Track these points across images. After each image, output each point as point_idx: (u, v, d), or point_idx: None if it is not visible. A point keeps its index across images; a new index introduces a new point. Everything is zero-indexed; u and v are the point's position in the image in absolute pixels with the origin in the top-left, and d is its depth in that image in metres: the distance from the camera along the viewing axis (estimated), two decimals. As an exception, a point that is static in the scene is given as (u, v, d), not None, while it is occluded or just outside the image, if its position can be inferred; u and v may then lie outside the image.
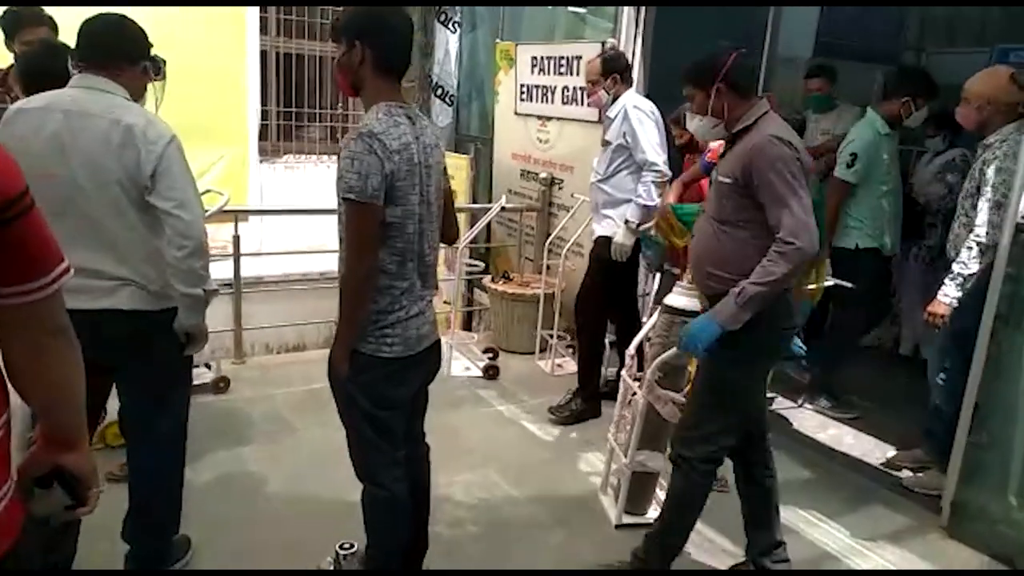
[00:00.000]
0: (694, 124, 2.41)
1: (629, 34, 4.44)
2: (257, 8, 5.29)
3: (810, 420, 3.95)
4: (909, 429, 3.60)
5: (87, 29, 2.07)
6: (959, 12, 5.84)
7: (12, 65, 2.89)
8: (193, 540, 2.56)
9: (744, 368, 2.33)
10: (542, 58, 4.80)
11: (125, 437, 2.40)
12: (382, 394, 2.05)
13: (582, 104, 4.52)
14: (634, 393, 2.88)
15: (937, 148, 4.25)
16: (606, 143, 3.72)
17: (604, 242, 3.69)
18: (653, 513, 2.93)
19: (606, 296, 3.80)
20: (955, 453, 2.91)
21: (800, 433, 3.81)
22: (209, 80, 5.15)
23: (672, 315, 2.75)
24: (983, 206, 2.94)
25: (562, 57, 4.65)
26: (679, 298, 2.77)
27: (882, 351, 4.98)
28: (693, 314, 2.66)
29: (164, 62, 2.19)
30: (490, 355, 4.50)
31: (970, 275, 2.95)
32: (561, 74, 4.66)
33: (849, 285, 3.23)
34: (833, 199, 3.74)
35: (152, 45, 2.17)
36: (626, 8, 4.41)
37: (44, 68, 2.27)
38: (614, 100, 3.65)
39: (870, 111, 3.76)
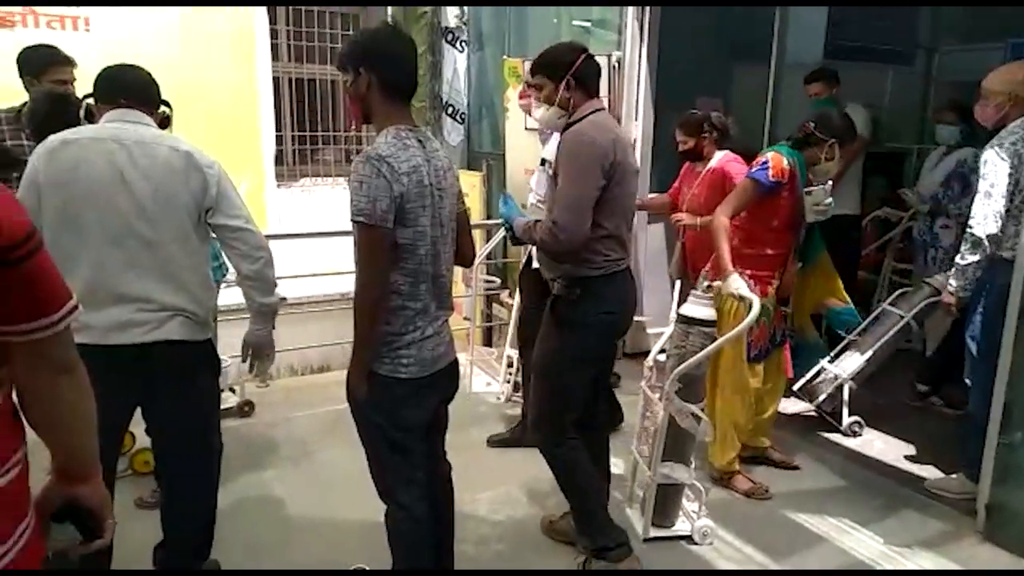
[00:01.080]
0: (540, 112, 2.52)
1: (634, 45, 4.45)
2: (268, 35, 5.36)
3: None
4: (938, 435, 3.56)
5: (117, 75, 2.16)
6: (972, 8, 5.78)
7: (25, 103, 2.94)
8: (221, 565, 2.56)
9: (571, 350, 2.50)
10: (551, 73, 4.80)
11: (159, 466, 2.41)
12: (399, 415, 2.06)
13: (593, 116, 4.52)
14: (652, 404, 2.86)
15: (953, 138, 4.15)
16: (544, 162, 3.38)
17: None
18: (682, 525, 2.90)
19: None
20: (987, 454, 2.85)
21: (829, 440, 3.75)
22: (223, 109, 5.22)
23: (687, 325, 2.75)
24: (976, 197, 2.95)
25: (570, 71, 4.65)
26: (693, 307, 2.77)
27: (911, 354, 4.90)
28: (708, 323, 2.71)
29: (169, 107, 2.30)
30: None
31: (967, 266, 2.96)
32: (570, 88, 4.67)
33: None
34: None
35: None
36: (630, 19, 4.42)
37: (55, 115, 2.36)
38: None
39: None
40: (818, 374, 3.80)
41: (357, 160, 1.90)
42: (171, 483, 2.36)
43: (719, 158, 3.68)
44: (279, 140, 5.61)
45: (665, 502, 2.89)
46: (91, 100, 2.21)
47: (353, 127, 6.30)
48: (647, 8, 4.39)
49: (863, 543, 2.87)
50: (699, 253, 3.78)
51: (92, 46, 4.67)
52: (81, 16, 4.75)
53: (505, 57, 5.32)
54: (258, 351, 2.40)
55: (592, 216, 2.34)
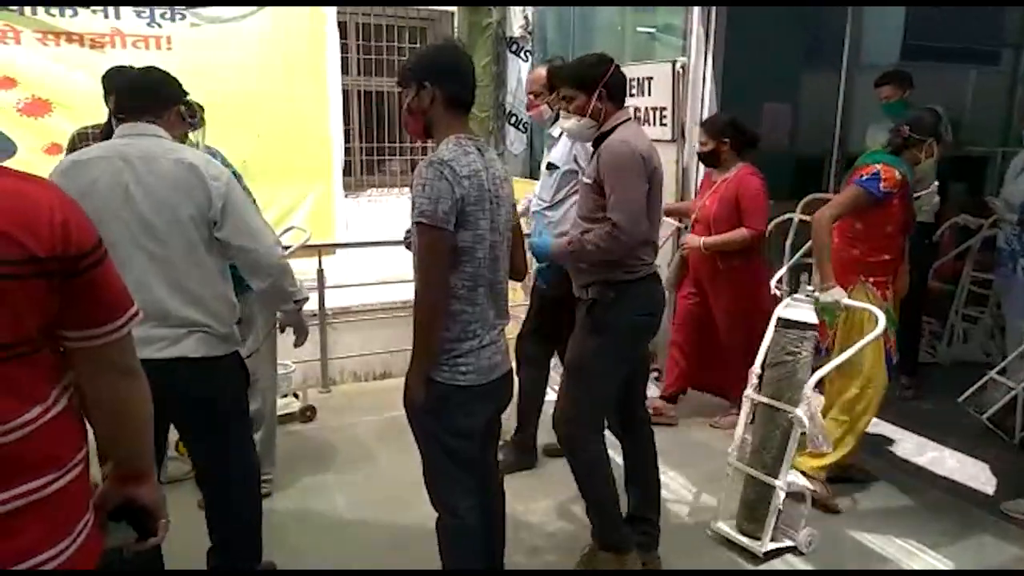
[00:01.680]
0: (571, 123, 2.54)
1: (699, 51, 4.38)
2: (339, 49, 5.51)
3: (907, 442, 3.74)
4: (1014, 453, 3.37)
5: (120, 82, 2.21)
6: (1061, 4, 5.48)
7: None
8: (277, 566, 2.63)
9: (606, 352, 2.53)
10: (613, 81, 4.78)
11: (198, 478, 2.41)
12: (456, 422, 2.07)
13: (655, 124, 4.48)
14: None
15: None
16: (551, 166, 3.32)
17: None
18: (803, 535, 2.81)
19: (550, 332, 3.38)
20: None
21: (897, 456, 3.61)
22: (294, 122, 5.39)
23: (785, 329, 2.80)
24: None
25: (632, 79, 4.62)
26: (795, 311, 2.80)
27: (991, 367, 4.66)
28: (811, 326, 2.77)
29: (201, 108, 2.28)
30: None
31: None
32: (632, 95, 4.63)
33: None
34: None
35: (187, 93, 2.26)
36: (695, 25, 4.35)
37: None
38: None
39: None
40: (985, 385, 3.79)
41: (420, 165, 1.94)
42: (209, 497, 2.37)
43: (736, 169, 3.62)
44: (347, 151, 5.74)
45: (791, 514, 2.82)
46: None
47: (419, 140, 6.42)
48: (713, 12, 4.33)
49: (932, 567, 2.75)
50: (701, 268, 3.75)
51: (174, 64, 4.89)
52: (163, 36, 4.99)
53: (568, 66, 5.32)
54: (295, 328, 2.52)
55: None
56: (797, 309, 2.79)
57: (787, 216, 4.52)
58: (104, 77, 3.14)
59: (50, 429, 1.15)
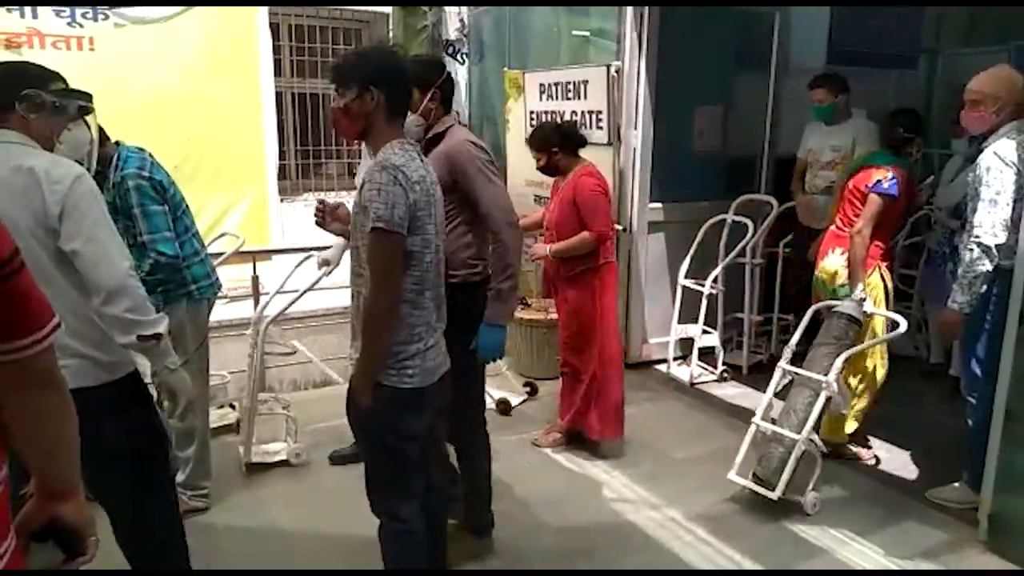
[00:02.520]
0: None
1: (633, 55, 4.45)
2: (270, 51, 5.40)
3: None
4: (941, 444, 3.53)
5: None
6: (976, 10, 5.75)
7: None
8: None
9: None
10: (549, 84, 4.83)
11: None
12: (404, 425, 2.07)
13: (591, 127, 4.53)
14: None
15: (964, 151, 4.06)
16: None
17: None
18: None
19: None
20: (989, 463, 2.82)
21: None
22: (226, 125, 5.26)
23: (839, 319, 3.26)
24: (979, 206, 2.84)
25: (569, 82, 4.67)
26: (856, 309, 3.25)
27: (917, 361, 4.86)
28: (855, 320, 3.26)
29: (73, 94, 2.02)
30: (528, 389, 4.44)
31: (975, 278, 2.83)
32: (569, 98, 4.69)
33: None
34: None
35: (50, 79, 1.97)
36: (629, 29, 4.43)
37: None
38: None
39: None
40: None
41: (371, 169, 1.94)
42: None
43: (574, 172, 3.54)
44: (282, 155, 5.63)
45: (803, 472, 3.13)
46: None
47: (356, 142, 6.33)
48: (646, 17, 4.40)
49: (863, 555, 2.85)
50: (553, 274, 3.74)
51: (96, 65, 4.72)
52: (85, 36, 4.80)
53: (505, 69, 5.34)
54: (169, 393, 2.13)
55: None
56: (849, 306, 3.27)
57: (720, 217, 4.62)
58: None
59: None
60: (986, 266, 2.82)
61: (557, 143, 3.53)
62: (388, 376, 2.02)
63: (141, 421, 2.05)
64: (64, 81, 2.02)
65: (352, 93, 1.99)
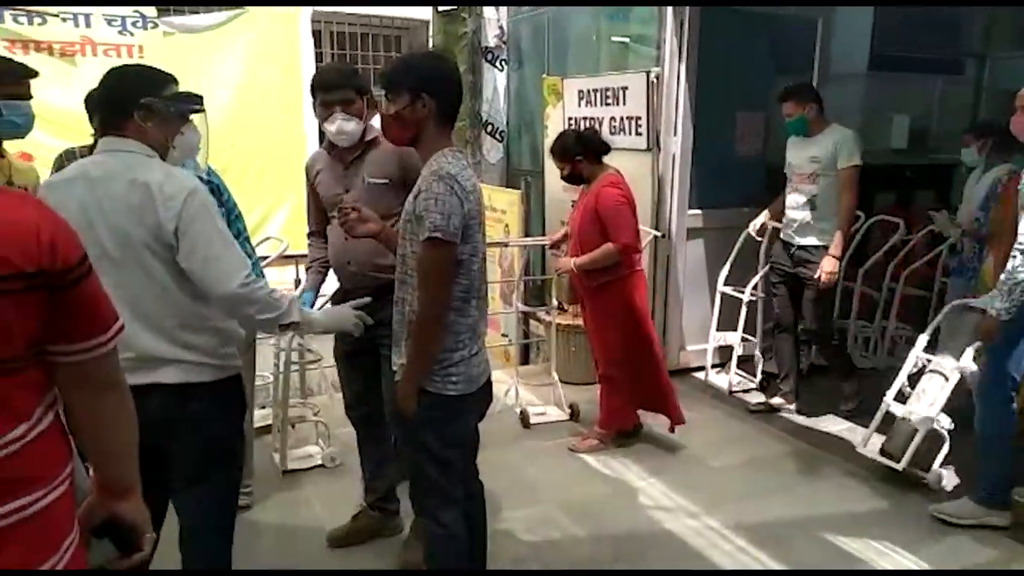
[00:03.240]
0: (351, 126, 2.55)
1: (673, 61, 4.44)
2: (312, 58, 5.50)
3: (878, 444, 3.79)
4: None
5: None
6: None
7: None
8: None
9: None
10: (588, 91, 4.83)
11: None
12: (449, 432, 2.08)
13: (630, 133, 4.53)
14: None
15: (977, 161, 3.95)
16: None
17: None
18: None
19: None
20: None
21: (867, 458, 3.65)
22: (269, 131, 5.37)
23: (980, 314, 3.13)
24: None
25: (608, 88, 4.67)
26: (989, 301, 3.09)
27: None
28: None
29: (186, 97, 2.03)
30: (570, 412, 4.32)
31: (1016, 284, 2.72)
32: (608, 104, 4.69)
33: None
34: None
35: (164, 83, 1.97)
36: (669, 35, 4.41)
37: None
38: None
39: None
40: None
41: (428, 179, 1.94)
42: (182, 544, 2.10)
43: (598, 180, 3.50)
44: (323, 160, 5.74)
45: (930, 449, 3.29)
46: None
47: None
48: (686, 23, 4.39)
49: (905, 567, 2.79)
50: (580, 286, 3.71)
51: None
52: (135, 44, 4.95)
53: (544, 76, 5.36)
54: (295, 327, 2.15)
55: None
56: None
57: (762, 222, 4.57)
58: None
59: (35, 447, 1.14)
60: None
61: (579, 151, 3.51)
62: (432, 383, 2.03)
63: (238, 422, 2.11)
64: (176, 82, 2.01)
65: (403, 100, 2.00)
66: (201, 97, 2.12)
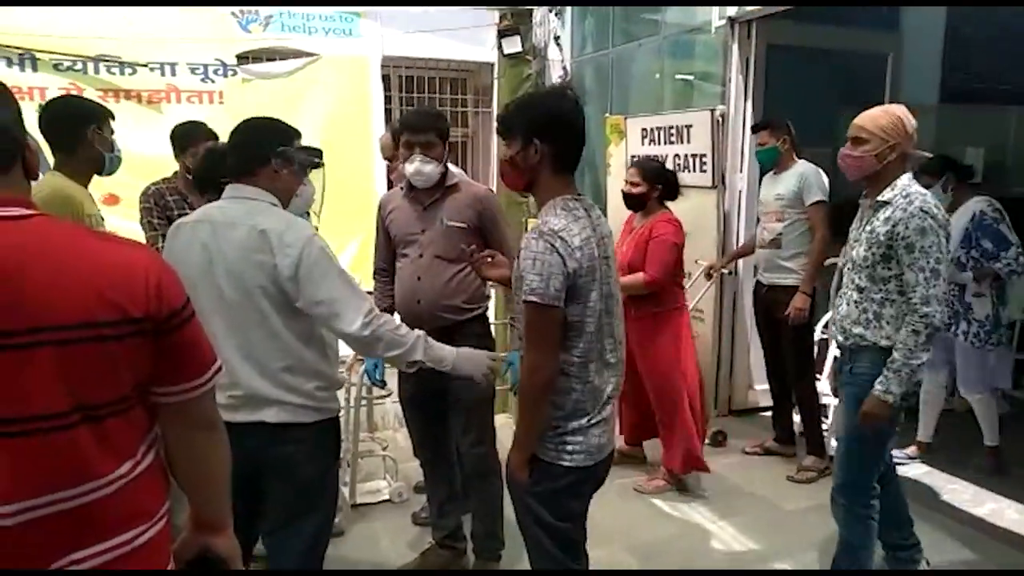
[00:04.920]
0: (430, 168, 2.64)
1: (738, 98, 4.44)
2: (382, 101, 5.67)
3: (962, 492, 3.65)
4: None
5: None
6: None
7: (176, 172, 3.23)
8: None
9: None
10: (652, 129, 4.86)
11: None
12: (561, 505, 1.94)
13: (695, 171, 4.53)
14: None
15: (943, 199, 3.69)
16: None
17: None
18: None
19: None
20: None
21: (952, 506, 3.52)
22: (340, 172, 5.45)
23: None
24: (920, 278, 2.34)
25: (671, 127, 4.69)
26: None
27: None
28: None
29: (310, 151, 2.13)
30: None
31: (919, 366, 2.34)
32: (671, 143, 4.70)
33: None
34: None
35: (295, 136, 2.09)
36: (734, 72, 4.42)
37: (211, 174, 2.27)
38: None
39: None
40: None
41: (529, 236, 1.83)
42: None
43: (656, 216, 3.56)
44: (390, 198, 5.88)
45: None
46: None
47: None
48: (751, 61, 4.39)
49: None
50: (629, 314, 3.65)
51: (225, 117, 5.08)
52: (216, 91, 5.20)
53: (607, 115, 5.42)
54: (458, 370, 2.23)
55: None
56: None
57: (832, 261, 4.48)
58: (178, 134, 3.24)
59: (139, 483, 1.20)
60: (929, 352, 2.35)
61: (662, 181, 3.59)
62: (546, 451, 1.90)
63: (332, 464, 2.15)
64: (300, 136, 2.12)
65: (517, 145, 1.89)
66: (321, 152, 2.22)
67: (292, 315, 1.94)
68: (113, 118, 2.75)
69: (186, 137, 3.23)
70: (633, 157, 5.05)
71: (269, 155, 2.00)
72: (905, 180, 2.45)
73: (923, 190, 2.45)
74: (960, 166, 3.78)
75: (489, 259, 2.28)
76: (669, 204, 3.68)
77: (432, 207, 2.71)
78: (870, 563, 2.62)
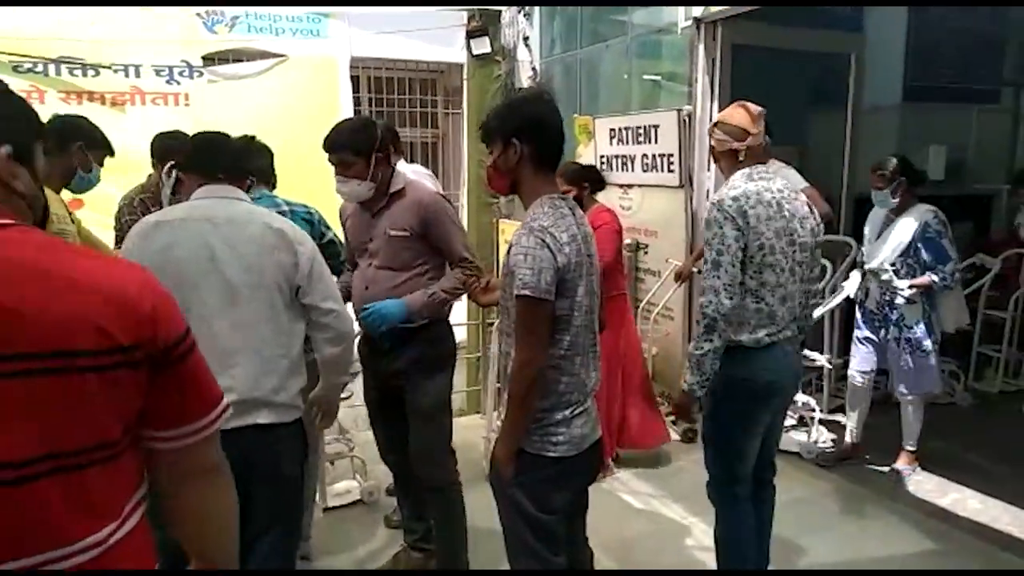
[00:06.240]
0: (348, 188, 2.57)
1: (705, 98, 4.48)
2: (351, 103, 5.64)
3: (926, 483, 3.72)
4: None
5: (213, 147, 2.13)
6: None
7: (150, 176, 3.19)
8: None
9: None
10: (620, 129, 4.90)
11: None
12: (545, 496, 1.95)
13: (663, 171, 4.57)
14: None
15: (887, 204, 3.69)
16: None
17: None
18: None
19: None
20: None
21: (916, 497, 3.58)
22: (309, 175, 5.47)
23: None
24: (704, 269, 2.36)
25: (639, 127, 4.73)
26: None
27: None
28: None
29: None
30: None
31: (702, 356, 2.30)
32: (639, 143, 4.74)
33: None
34: None
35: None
36: (700, 73, 4.46)
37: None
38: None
39: None
40: None
41: (519, 232, 1.87)
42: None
43: (592, 209, 3.76)
44: (361, 200, 5.86)
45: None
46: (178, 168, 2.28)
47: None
48: (717, 62, 4.44)
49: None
50: None
51: (190, 119, 5.03)
52: (181, 93, 5.14)
53: (576, 115, 5.44)
54: (327, 407, 2.37)
55: None
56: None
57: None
58: (157, 143, 3.17)
59: (120, 550, 1.01)
60: (713, 342, 2.30)
61: (587, 180, 3.78)
62: (532, 443, 1.92)
63: (303, 462, 2.18)
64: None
65: (497, 149, 1.95)
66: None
67: (295, 312, 2.05)
68: (112, 155, 2.90)
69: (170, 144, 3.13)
70: (601, 157, 5.09)
71: (249, 173, 2.24)
72: (737, 175, 2.46)
73: (740, 184, 2.41)
74: (913, 170, 3.74)
75: (482, 287, 2.43)
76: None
77: (378, 215, 2.64)
78: (751, 554, 2.57)
